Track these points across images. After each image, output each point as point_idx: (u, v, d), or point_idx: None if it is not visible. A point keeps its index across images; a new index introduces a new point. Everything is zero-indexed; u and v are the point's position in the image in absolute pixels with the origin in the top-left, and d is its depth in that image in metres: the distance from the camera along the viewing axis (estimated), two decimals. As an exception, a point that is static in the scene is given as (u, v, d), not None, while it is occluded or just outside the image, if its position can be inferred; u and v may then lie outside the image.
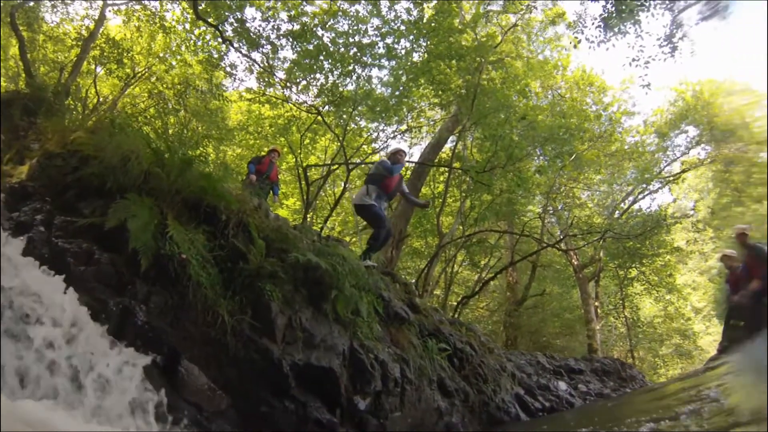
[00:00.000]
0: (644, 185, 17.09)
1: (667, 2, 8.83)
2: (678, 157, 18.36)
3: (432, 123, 14.39)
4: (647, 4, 8.95)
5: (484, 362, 5.87)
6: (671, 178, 18.06)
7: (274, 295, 3.40)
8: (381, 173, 6.06)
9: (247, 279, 3.46)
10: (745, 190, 19.49)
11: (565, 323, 16.93)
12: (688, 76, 27.03)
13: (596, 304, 17.04)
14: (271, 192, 8.82)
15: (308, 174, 12.23)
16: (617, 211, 17.17)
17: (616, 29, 9.58)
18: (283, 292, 3.52)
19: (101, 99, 13.49)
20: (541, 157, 13.45)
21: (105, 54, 12.23)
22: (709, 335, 19.89)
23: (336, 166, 13.81)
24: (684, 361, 19.22)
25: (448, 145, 13.89)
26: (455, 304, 13.76)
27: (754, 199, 19.49)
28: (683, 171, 18.02)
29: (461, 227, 13.07)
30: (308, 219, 12.91)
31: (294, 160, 13.36)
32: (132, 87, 14.00)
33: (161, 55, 13.61)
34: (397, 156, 6.28)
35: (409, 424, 3.95)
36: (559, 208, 17.02)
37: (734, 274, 7.49)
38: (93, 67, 13.16)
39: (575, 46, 11.86)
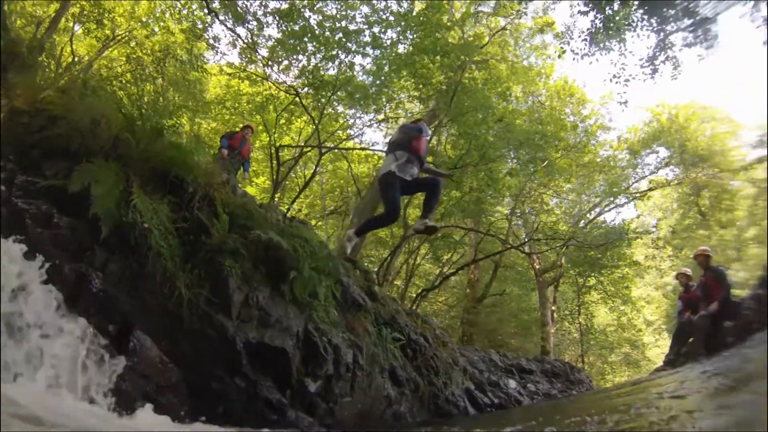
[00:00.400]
0: (611, 198, 17.61)
1: (655, 26, 9.03)
2: (646, 176, 19.13)
3: (410, 115, 14.46)
4: (635, 24, 9.18)
5: (437, 355, 5.98)
6: (638, 195, 18.65)
7: (233, 272, 3.38)
8: (408, 134, 5.30)
9: (208, 253, 3.42)
10: (713, 215, 20.27)
11: (522, 324, 17.37)
12: (666, 98, 27.78)
13: (553, 308, 17.55)
14: (241, 168, 8.80)
15: (280, 154, 12.18)
16: (582, 221, 17.67)
17: (601, 44, 9.81)
18: (243, 269, 3.50)
19: (76, 59, 13.04)
20: (514, 160, 13.71)
21: (85, 12, 11.88)
22: (658, 347, 20.74)
23: (309, 148, 13.77)
24: (631, 369, 20.01)
25: (423, 139, 14.00)
26: (414, 296, 13.95)
27: (721, 224, 20.32)
28: (650, 189, 18.66)
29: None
30: (276, 199, 12.87)
31: (268, 139, 13.28)
32: (110, 50, 13.61)
33: (144, 19, 13.24)
34: (419, 122, 5.69)
35: (358, 410, 3.99)
36: (527, 211, 17.37)
37: (689, 292, 7.83)
38: (71, 24, 12.74)
39: (560, 56, 12.09)
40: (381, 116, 14.49)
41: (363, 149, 15.50)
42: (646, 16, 8.93)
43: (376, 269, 12.36)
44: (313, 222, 14.84)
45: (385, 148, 5.69)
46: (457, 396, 5.68)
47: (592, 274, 16.32)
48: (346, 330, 4.35)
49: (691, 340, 7.34)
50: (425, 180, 5.46)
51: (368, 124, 14.89)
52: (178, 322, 3.13)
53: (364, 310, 5.05)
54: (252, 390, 3.22)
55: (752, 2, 8.12)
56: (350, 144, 15.70)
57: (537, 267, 17.06)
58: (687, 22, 8.69)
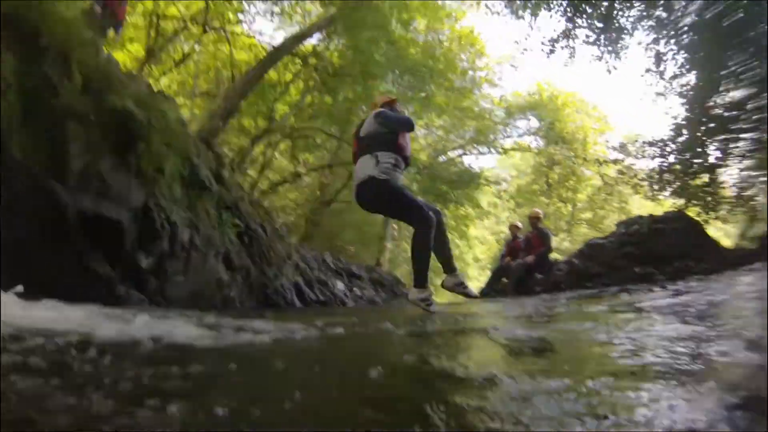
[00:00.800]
0: (476, 145, 18.80)
1: (568, 14, 9.34)
2: (513, 137, 20.57)
3: (307, 15, 13.65)
4: (552, 5, 9.49)
5: (272, 246, 6.23)
6: (500, 150, 20.17)
7: (77, 137, 3.15)
8: (390, 127, 3.93)
9: (53, 115, 3.10)
10: (557, 189, 22.81)
11: (362, 235, 18.35)
12: (557, 79, 29.77)
13: (395, 226, 18.83)
14: (112, 30, 7.72)
15: (162, 25, 10.88)
16: (443, 156, 18.76)
17: (517, 10, 10.09)
18: (89, 136, 3.26)
19: None
20: (395, 84, 13.88)
21: None
22: (478, 281, 23.24)
23: (194, 24, 12.44)
24: (452, 296, 22.46)
25: (312, 41, 13.46)
26: (265, 188, 13.93)
27: (561, 199, 23.04)
28: (512, 149, 20.20)
29: (294, 119, 13.05)
30: (146, 70, 11.61)
31: (151, 6, 11.66)
32: None
33: None
34: (394, 105, 4.28)
35: (189, 291, 4.08)
36: (393, 132, 17.81)
37: (515, 242, 9.02)
38: None
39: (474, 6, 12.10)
40: (278, 8, 13.47)
41: (249, 37, 14.37)
42: (565, 2, 9.28)
43: (232, 155, 12.06)
44: (180, 100, 13.66)
45: (357, 144, 4.09)
46: (285, 288, 6.04)
47: (438, 205, 17.60)
48: (187, 209, 4.36)
49: (505, 280, 8.59)
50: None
51: (262, 13, 13.75)
52: (7, 188, 2.73)
53: (208, 192, 5.01)
54: (82, 262, 3.06)
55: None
56: (239, 29, 14.41)
57: (389, 186, 17.82)
58: (599, 25, 9.13)
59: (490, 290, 8.63)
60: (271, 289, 5.73)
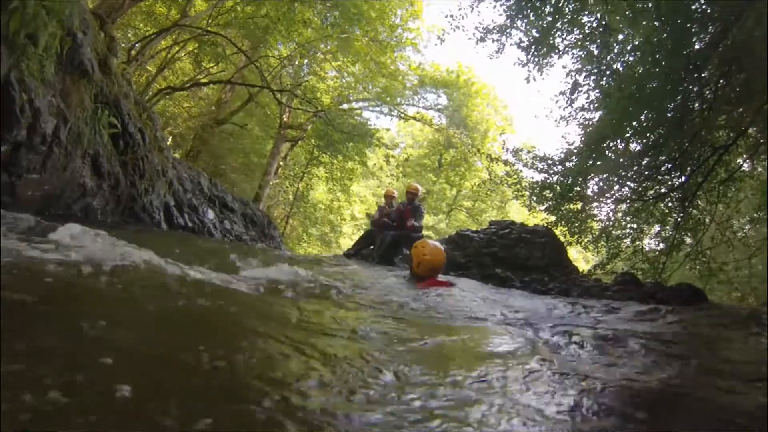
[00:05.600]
0: (379, 103, 18.56)
1: (509, 10, 9.25)
2: (419, 106, 20.48)
3: None
4: None
5: (148, 157, 5.54)
6: (402, 115, 20.15)
7: None
8: None
9: None
10: (447, 171, 23.49)
11: (248, 163, 17.53)
12: (478, 66, 30.37)
13: (282, 163, 18.21)
14: None
15: None
16: (346, 104, 18.32)
17: None
18: None
19: None
20: (321, 16, 13.15)
21: None
22: (350, 240, 23.67)
23: None
24: (323, 248, 22.54)
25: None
26: (159, 89, 12.57)
27: (449, 181, 23.80)
28: (413, 118, 20.25)
29: (207, 21, 11.78)
30: None
31: None
32: None
33: None
34: None
35: (45, 192, 3.46)
36: (304, 65, 17.05)
37: (386, 207, 9.06)
38: None
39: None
40: None
41: None
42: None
43: (131, 44, 10.56)
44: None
45: None
46: (155, 207, 5.50)
47: (328, 153, 17.29)
48: (59, 96, 3.63)
49: (371, 246, 8.65)
50: None
51: None
52: None
53: (88, 79, 4.25)
54: None
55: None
56: None
57: (285, 119, 17.15)
58: (535, 34, 9.16)
59: (356, 253, 8.65)
60: (139, 205, 5.14)
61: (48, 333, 1.04)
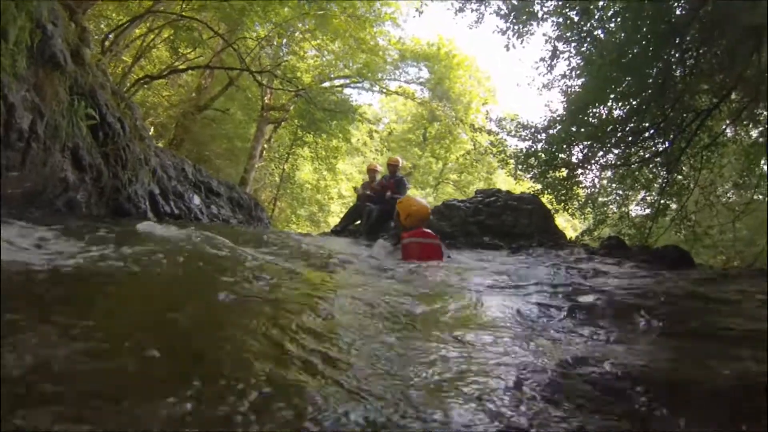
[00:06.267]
0: (361, 79, 18.35)
1: None
2: (400, 81, 20.23)
3: None
4: None
5: (129, 147, 5.46)
6: (383, 90, 19.94)
7: None
8: None
9: None
10: (432, 145, 23.37)
11: (232, 148, 17.35)
12: (459, 38, 30.07)
13: (266, 146, 18.04)
14: None
15: None
16: (327, 82, 18.09)
17: None
18: None
19: None
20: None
21: None
22: (338, 217, 23.75)
23: None
24: (312, 227, 22.55)
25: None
26: (137, 78, 12.31)
27: (434, 155, 23.69)
28: (394, 92, 20.07)
29: (181, 6, 11.49)
30: None
31: None
32: None
33: None
34: None
35: (27, 189, 3.38)
36: (283, 45, 16.77)
37: (370, 182, 9.07)
38: None
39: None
40: None
41: None
42: None
43: (104, 35, 10.27)
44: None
45: None
46: (139, 196, 5.44)
47: (312, 133, 17.16)
48: (32, 90, 3.54)
49: (358, 222, 8.67)
50: None
51: None
52: None
53: (61, 71, 4.15)
54: None
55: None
56: None
57: (266, 101, 16.94)
58: (514, 2, 9.07)
59: (343, 229, 8.69)
60: (124, 196, 5.08)
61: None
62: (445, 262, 4.48)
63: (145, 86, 13.23)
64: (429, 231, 4.72)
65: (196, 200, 7.70)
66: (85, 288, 1.69)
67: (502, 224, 8.10)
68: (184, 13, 11.06)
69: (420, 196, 24.15)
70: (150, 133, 8.93)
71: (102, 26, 12.03)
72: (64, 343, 1.06)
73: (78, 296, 1.58)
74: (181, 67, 13.45)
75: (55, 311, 1.30)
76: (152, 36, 12.50)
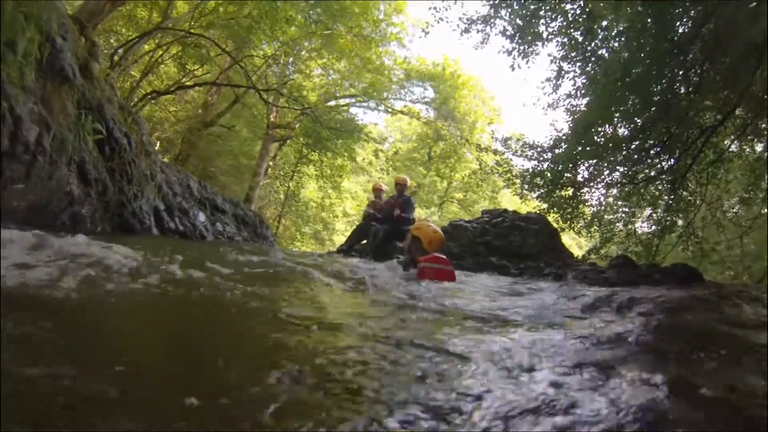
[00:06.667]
0: (366, 98, 18.50)
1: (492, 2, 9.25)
2: (406, 100, 20.38)
3: None
4: None
5: (135, 162, 5.47)
6: (389, 110, 20.08)
7: None
8: None
9: None
10: (437, 164, 23.46)
11: (237, 165, 17.45)
12: (464, 58, 30.48)
13: (271, 163, 18.12)
14: None
15: None
16: (333, 101, 18.25)
17: None
18: None
19: None
20: (304, 14, 13.08)
21: None
22: (343, 236, 23.76)
23: None
24: (316, 245, 22.56)
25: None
26: (144, 94, 12.45)
27: (439, 174, 23.78)
28: (401, 112, 20.20)
29: (190, 23, 11.67)
30: None
31: None
32: None
33: None
34: None
35: (31, 202, 3.36)
36: (289, 63, 16.95)
37: (376, 202, 9.04)
38: None
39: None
40: None
41: None
42: None
43: (113, 49, 10.42)
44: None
45: None
46: (144, 212, 5.43)
47: (317, 151, 17.24)
48: (40, 102, 3.55)
49: (364, 242, 8.62)
50: None
51: None
52: None
53: (69, 85, 4.17)
54: None
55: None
56: None
57: (272, 119, 17.07)
58: (519, 23, 9.16)
59: (350, 248, 8.63)
60: (129, 212, 5.06)
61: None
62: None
63: (153, 101, 13.38)
64: (442, 256, 4.82)
65: (201, 217, 7.67)
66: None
67: (509, 245, 8.06)
68: (192, 30, 11.24)
69: (426, 215, 24.20)
70: (156, 148, 8.99)
71: (111, 41, 12.24)
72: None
73: None
74: (188, 83, 13.62)
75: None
76: (161, 52, 12.68)
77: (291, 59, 16.60)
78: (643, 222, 10.52)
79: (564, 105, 9.69)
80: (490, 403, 1.07)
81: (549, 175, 9.58)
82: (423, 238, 5.02)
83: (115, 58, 9.87)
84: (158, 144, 14.62)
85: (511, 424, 0.98)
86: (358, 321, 1.85)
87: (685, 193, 9.13)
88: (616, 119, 8.71)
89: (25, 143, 3.22)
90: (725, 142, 8.85)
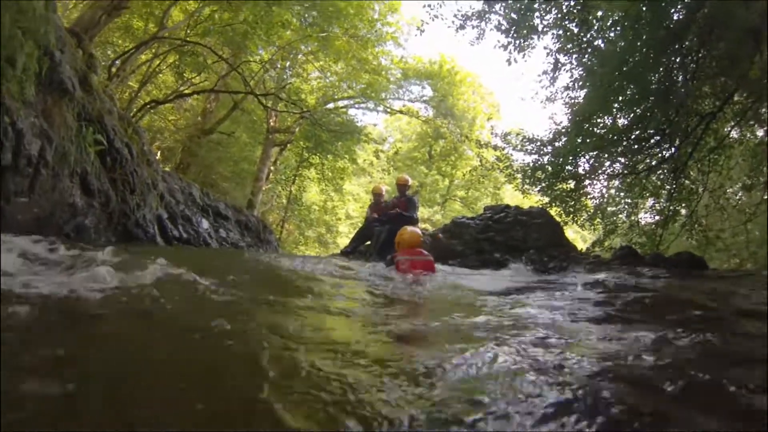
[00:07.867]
0: (365, 99, 18.48)
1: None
2: (404, 100, 20.34)
3: None
4: None
5: (137, 172, 5.50)
6: (388, 110, 20.06)
7: None
8: None
9: None
10: (438, 162, 23.42)
11: (238, 171, 17.46)
12: (460, 55, 30.44)
13: (272, 168, 18.13)
14: None
15: None
16: (331, 103, 18.25)
17: None
18: None
19: None
20: (299, 17, 13.10)
21: None
22: (347, 238, 23.76)
23: None
24: (320, 248, 22.54)
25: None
26: (143, 103, 12.49)
27: (440, 172, 23.75)
28: (400, 111, 20.18)
29: (186, 31, 11.70)
30: None
31: None
32: None
33: None
34: None
35: (35, 214, 3.37)
36: (287, 67, 16.97)
37: (378, 203, 9.04)
38: None
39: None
40: None
41: None
42: None
43: (110, 61, 10.45)
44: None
45: None
46: (148, 221, 5.45)
47: (318, 154, 17.24)
48: (40, 116, 3.58)
49: (368, 243, 8.63)
50: None
51: None
52: None
53: (69, 98, 4.20)
54: None
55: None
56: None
57: (272, 124, 17.09)
58: (513, 17, 9.16)
59: (353, 250, 8.64)
60: (132, 221, 5.08)
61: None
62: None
63: (152, 111, 13.42)
64: (419, 249, 5.55)
65: (205, 224, 7.70)
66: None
67: (512, 239, 8.04)
68: (188, 39, 11.27)
69: (429, 214, 24.17)
70: (157, 158, 9.02)
71: (109, 53, 12.28)
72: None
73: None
74: (186, 91, 13.65)
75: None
76: (158, 61, 12.72)
77: (288, 63, 16.64)
78: (645, 212, 10.50)
79: (562, 97, 9.70)
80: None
81: (550, 168, 9.57)
82: (396, 238, 5.83)
83: (113, 69, 9.90)
84: (159, 153, 14.65)
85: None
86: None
87: (687, 181, 9.10)
88: (615, 110, 8.69)
89: (27, 157, 3.24)
90: (725, 128, 8.82)
